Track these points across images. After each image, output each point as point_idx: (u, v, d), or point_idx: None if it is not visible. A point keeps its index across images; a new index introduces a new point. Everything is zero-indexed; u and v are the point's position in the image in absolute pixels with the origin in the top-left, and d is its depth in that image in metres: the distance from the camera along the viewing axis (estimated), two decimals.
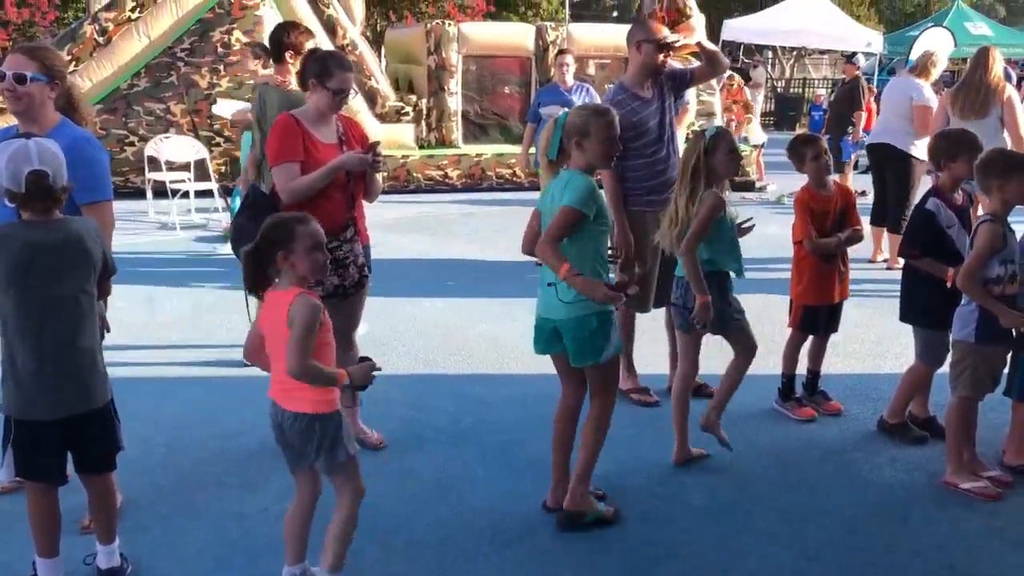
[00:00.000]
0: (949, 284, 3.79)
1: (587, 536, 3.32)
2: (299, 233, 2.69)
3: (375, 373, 2.76)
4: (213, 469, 3.82)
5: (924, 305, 4.04)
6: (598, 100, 6.77)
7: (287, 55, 4.80)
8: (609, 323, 3.24)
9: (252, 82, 9.03)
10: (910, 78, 7.51)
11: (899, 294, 4.17)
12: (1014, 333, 3.71)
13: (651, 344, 4.99)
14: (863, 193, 9.39)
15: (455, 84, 11.81)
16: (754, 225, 4.07)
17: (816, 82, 26.16)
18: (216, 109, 8.79)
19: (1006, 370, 3.80)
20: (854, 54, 11.69)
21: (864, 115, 10.65)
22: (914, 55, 13.37)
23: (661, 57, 4.40)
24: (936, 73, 7.53)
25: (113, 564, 2.95)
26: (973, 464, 3.80)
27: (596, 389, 3.35)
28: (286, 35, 4.85)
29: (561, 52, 7.99)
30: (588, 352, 3.23)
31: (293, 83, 4.71)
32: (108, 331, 3.10)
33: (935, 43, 15.83)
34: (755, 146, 12.78)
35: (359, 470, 2.83)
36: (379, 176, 3.90)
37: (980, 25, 22.51)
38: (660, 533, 3.37)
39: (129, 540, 3.09)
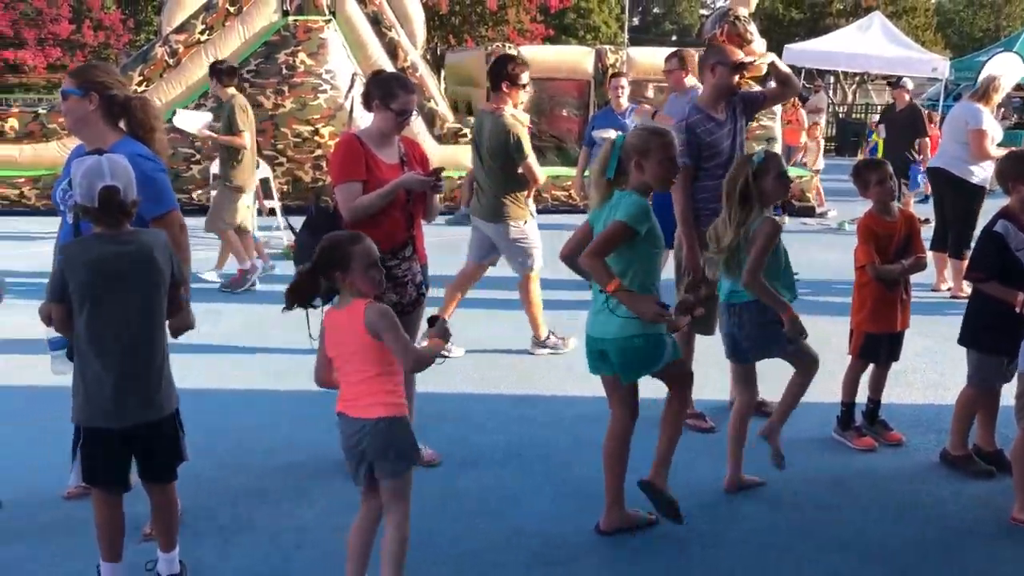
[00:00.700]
0: (1018, 309, 3.71)
1: (634, 560, 3.29)
2: (355, 253, 2.76)
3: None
4: (270, 482, 3.88)
5: (979, 327, 3.98)
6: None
7: (503, 85, 5.32)
8: (658, 343, 3.24)
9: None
10: (971, 103, 7.40)
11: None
12: None
13: (707, 368, 4.94)
14: (926, 221, 9.20)
15: None
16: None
17: (879, 108, 25.75)
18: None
19: None
20: (899, 79, 11.00)
21: (928, 142, 10.40)
22: (980, 80, 13.06)
23: (736, 79, 4.46)
24: (998, 98, 7.42)
25: (173, 571, 3.02)
26: None
27: (673, 385, 3.45)
28: (505, 67, 5.35)
29: (615, 75, 8.01)
30: (636, 369, 3.28)
31: (507, 111, 5.32)
32: (193, 327, 3.21)
33: (1003, 68, 15.52)
34: (815, 171, 12.59)
35: (410, 488, 2.84)
36: (437, 197, 3.96)
37: None
38: (712, 560, 3.33)
39: (189, 549, 3.16)
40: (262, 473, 3.97)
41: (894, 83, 10.93)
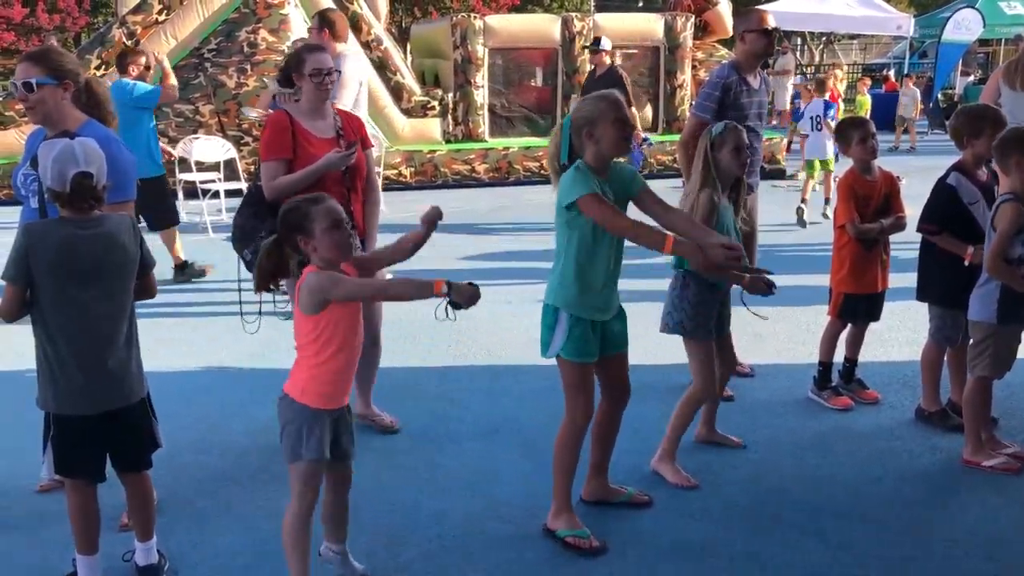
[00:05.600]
0: (967, 262, 3.75)
1: (617, 529, 3.29)
2: (314, 214, 2.61)
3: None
4: (245, 465, 3.83)
5: (940, 283, 4.02)
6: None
7: None
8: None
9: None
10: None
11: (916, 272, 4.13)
12: None
13: None
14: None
15: (481, 78, 11.78)
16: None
17: (846, 68, 25.80)
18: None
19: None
20: (597, 41, 9.09)
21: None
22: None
23: (766, 44, 4.65)
24: None
25: (151, 561, 2.97)
26: (991, 442, 3.79)
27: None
28: None
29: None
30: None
31: None
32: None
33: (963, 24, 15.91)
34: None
35: (302, 481, 2.69)
36: (377, 171, 3.90)
37: (1015, 5, 22.02)
38: (694, 524, 3.34)
39: (165, 537, 3.11)
40: (239, 456, 3.92)
41: (592, 48, 9.15)
